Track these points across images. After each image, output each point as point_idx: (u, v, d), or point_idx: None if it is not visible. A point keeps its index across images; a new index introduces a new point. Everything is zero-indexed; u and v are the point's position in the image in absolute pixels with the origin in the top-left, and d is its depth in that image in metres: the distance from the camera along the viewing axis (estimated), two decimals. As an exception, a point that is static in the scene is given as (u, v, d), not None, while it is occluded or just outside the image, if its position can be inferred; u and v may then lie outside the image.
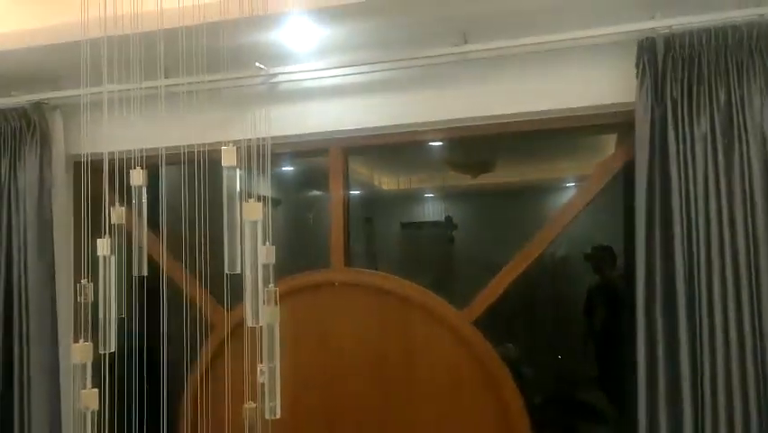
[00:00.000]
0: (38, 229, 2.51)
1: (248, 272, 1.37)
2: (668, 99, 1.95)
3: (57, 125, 2.56)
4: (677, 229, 1.92)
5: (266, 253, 1.42)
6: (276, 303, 1.47)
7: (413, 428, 2.35)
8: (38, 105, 2.54)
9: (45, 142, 2.54)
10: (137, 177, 1.50)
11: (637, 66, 1.97)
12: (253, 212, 1.37)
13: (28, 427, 2.46)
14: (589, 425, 3.45)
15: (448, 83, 2.26)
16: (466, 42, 2.16)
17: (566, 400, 3.58)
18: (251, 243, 1.37)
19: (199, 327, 1.86)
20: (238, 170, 1.35)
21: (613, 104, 2.09)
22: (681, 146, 1.93)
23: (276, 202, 4.52)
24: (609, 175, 2.22)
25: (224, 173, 1.35)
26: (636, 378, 1.95)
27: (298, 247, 3.96)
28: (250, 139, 1.43)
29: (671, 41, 1.94)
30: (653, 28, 1.97)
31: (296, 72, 2.36)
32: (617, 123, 2.15)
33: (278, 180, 4.24)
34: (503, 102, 2.22)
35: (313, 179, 3.76)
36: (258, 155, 1.44)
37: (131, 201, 1.48)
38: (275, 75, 2.37)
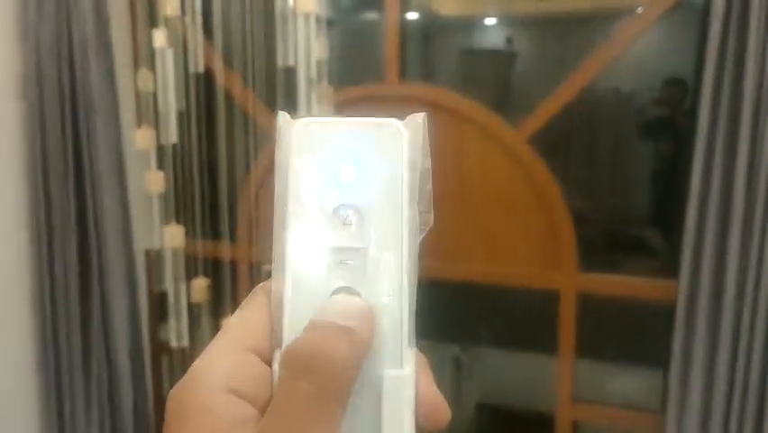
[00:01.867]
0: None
1: (301, 67, 1.37)
2: None
3: None
4: (749, 64, 1.78)
5: (319, 48, 1.41)
6: (329, 103, 1.48)
7: (461, 244, 2.44)
8: None
9: None
10: None
11: None
12: (309, 2, 1.33)
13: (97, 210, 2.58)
14: (640, 259, 3.49)
15: None
16: None
17: (617, 234, 3.61)
18: (305, 36, 1.35)
19: (251, 133, 1.90)
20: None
21: None
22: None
23: (330, 23, 4.40)
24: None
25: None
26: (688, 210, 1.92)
27: (353, 67, 3.90)
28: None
29: None
30: None
31: None
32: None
33: (333, 1, 4.08)
34: None
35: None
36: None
37: None
38: None
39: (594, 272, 2.39)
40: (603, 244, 3.61)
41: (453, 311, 4.16)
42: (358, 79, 2.54)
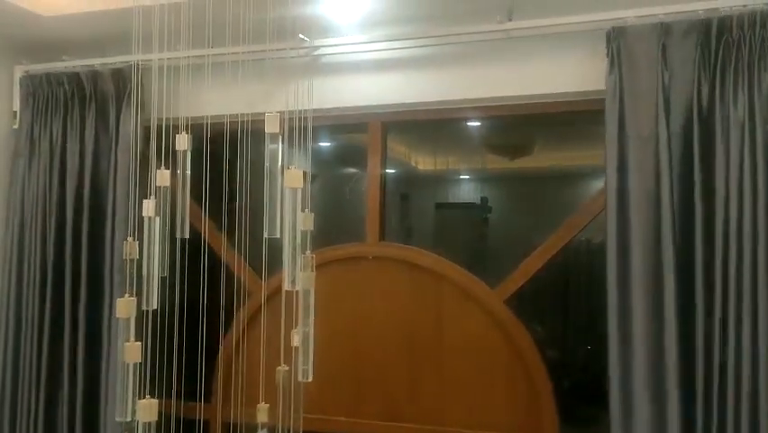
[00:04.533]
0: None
1: (287, 238, 1.41)
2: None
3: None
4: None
5: (304, 220, 1.46)
6: (312, 269, 1.51)
7: (441, 402, 2.39)
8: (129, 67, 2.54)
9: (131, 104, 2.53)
10: (182, 142, 1.54)
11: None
12: (294, 180, 1.40)
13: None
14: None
15: (491, 60, 2.25)
16: (510, 20, 2.15)
17: (593, 387, 3.56)
18: (291, 209, 1.41)
19: (236, 293, 1.91)
20: (280, 137, 1.38)
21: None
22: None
23: (312, 177, 4.57)
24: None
25: (267, 140, 1.38)
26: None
27: (334, 222, 4.00)
28: (291, 111, 1.47)
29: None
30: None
31: (338, 45, 2.38)
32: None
33: (316, 156, 4.27)
34: (542, 81, 2.20)
35: (350, 155, 3.78)
36: (299, 128, 1.48)
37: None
38: (317, 47, 2.39)
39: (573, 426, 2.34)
40: (581, 396, 3.54)
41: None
42: (341, 239, 2.62)
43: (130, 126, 2.47)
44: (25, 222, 2.61)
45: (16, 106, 2.69)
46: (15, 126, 2.68)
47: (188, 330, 1.78)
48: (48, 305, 2.55)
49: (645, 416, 1.92)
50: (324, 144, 4.24)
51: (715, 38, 1.91)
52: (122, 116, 2.54)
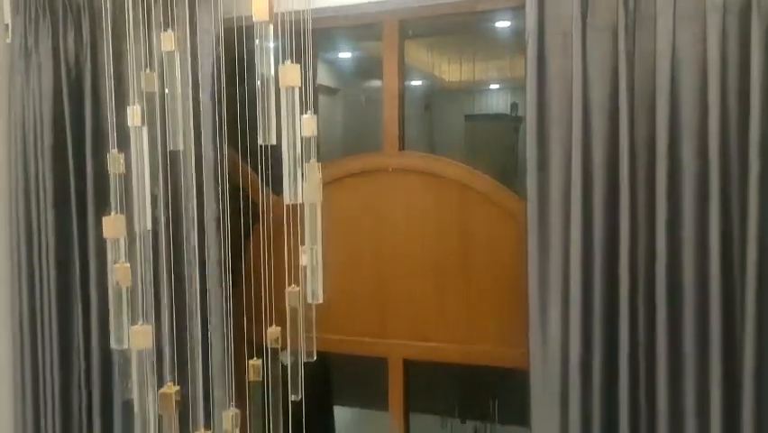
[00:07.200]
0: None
1: (285, 144, 1.24)
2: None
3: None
4: None
5: (306, 124, 1.29)
6: (319, 180, 1.35)
7: (468, 319, 2.27)
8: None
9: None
10: (167, 42, 1.36)
11: None
12: (290, 77, 1.22)
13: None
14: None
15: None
16: None
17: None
18: (289, 112, 1.23)
19: (244, 210, 1.78)
20: (272, 25, 1.18)
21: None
22: None
23: (333, 91, 4.35)
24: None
25: (256, 30, 1.19)
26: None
27: (356, 138, 3.82)
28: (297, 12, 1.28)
29: None
30: None
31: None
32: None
33: (337, 69, 4.05)
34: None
35: (371, 67, 3.56)
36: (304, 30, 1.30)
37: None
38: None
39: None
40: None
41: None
42: (358, 150, 2.44)
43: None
44: (27, 140, 2.49)
45: (7, 19, 2.51)
46: (8, 41, 2.51)
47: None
48: (55, 222, 2.46)
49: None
50: (344, 56, 4.00)
51: None
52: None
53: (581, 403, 1.91)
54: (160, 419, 1.27)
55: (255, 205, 1.87)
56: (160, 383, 1.29)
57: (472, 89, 4.13)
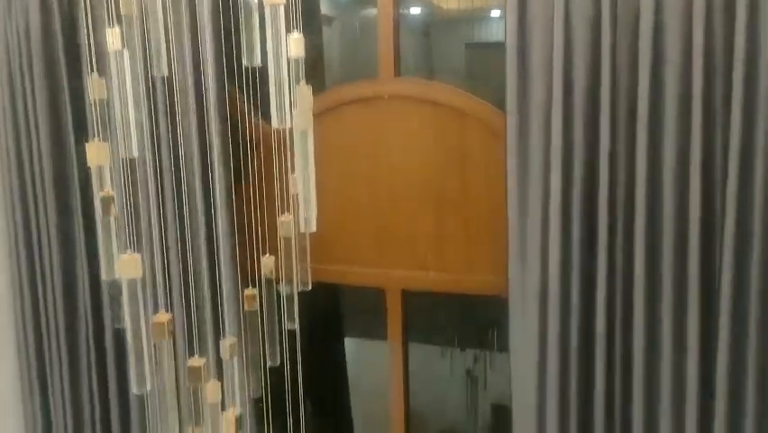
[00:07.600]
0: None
1: (271, 66, 1.19)
2: None
3: None
4: None
5: (293, 45, 1.23)
6: (309, 104, 1.30)
7: (466, 249, 2.26)
8: None
9: None
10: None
11: None
12: (274, -7, 1.15)
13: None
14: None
15: None
16: None
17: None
18: (273, 31, 1.17)
19: (234, 138, 1.74)
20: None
21: None
22: None
23: (329, 20, 4.22)
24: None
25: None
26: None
27: (352, 67, 3.73)
28: None
29: None
30: None
31: None
32: None
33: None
34: None
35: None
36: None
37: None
38: None
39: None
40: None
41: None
42: (354, 77, 2.37)
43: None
44: (13, 72, 2.42)
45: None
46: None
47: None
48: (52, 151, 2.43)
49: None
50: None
51: None
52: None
53: (560, 329, 1.92)
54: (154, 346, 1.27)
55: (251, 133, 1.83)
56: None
57: (472, 17, 4.01)
